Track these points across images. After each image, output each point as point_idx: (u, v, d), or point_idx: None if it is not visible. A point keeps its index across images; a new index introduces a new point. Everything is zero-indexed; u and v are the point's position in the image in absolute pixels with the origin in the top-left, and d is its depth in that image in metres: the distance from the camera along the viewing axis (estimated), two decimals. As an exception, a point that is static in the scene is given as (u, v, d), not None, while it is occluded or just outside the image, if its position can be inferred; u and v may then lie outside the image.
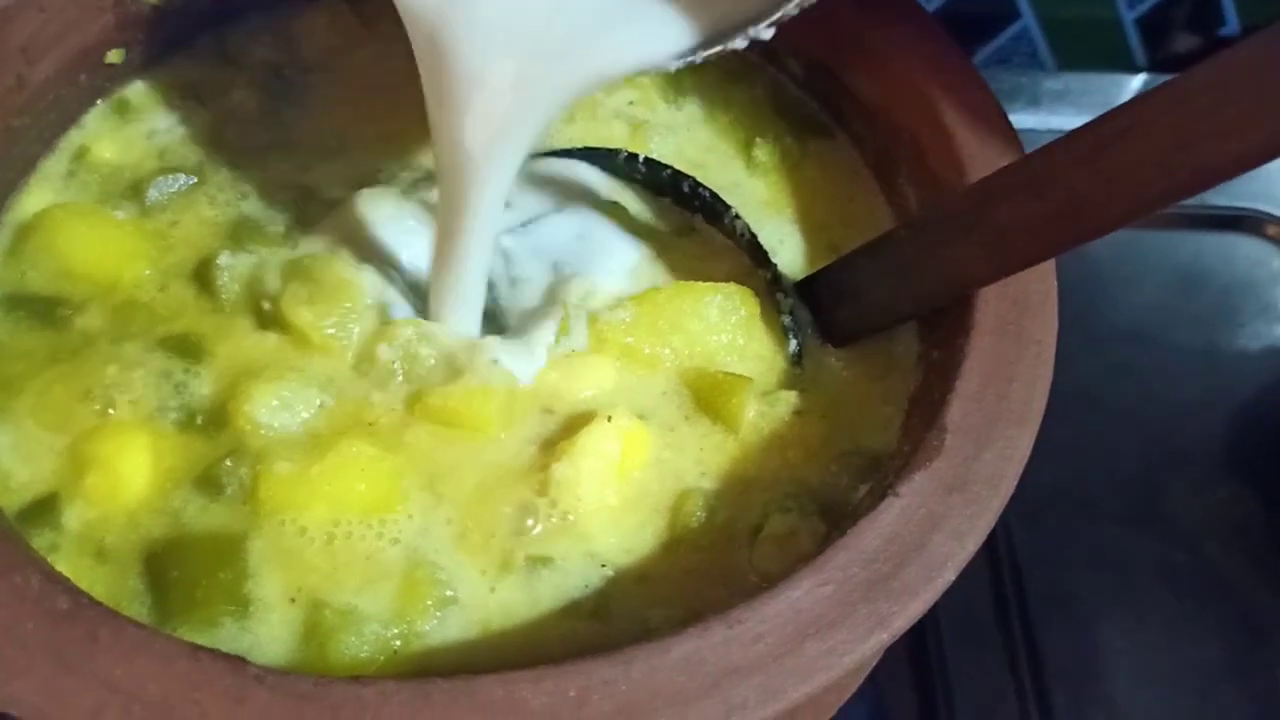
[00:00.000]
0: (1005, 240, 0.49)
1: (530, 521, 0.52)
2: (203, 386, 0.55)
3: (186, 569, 0.50)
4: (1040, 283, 0.52)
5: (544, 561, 0.51)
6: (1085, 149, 0.45)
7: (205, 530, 0.51)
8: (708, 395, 0.56)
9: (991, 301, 0.52)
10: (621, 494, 0.53)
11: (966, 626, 0.75)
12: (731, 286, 0.58)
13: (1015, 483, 0.47)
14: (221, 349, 0.56)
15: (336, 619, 0.49)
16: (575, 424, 0.54)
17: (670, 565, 0.52)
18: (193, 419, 0.54)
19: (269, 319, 0.57)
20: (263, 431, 0.53)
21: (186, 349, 0.56)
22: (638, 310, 0.57)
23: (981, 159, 0.56)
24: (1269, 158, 0.40)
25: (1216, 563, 0.79)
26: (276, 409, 0.54)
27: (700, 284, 0.58)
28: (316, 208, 0.61)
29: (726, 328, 0.57)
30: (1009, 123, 0.58)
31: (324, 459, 0.51)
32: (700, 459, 0.55)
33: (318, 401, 0.55)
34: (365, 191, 0.61)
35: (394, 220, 0.60)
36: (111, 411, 0.54)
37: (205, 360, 0.56)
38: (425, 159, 0.64)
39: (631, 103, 0.68)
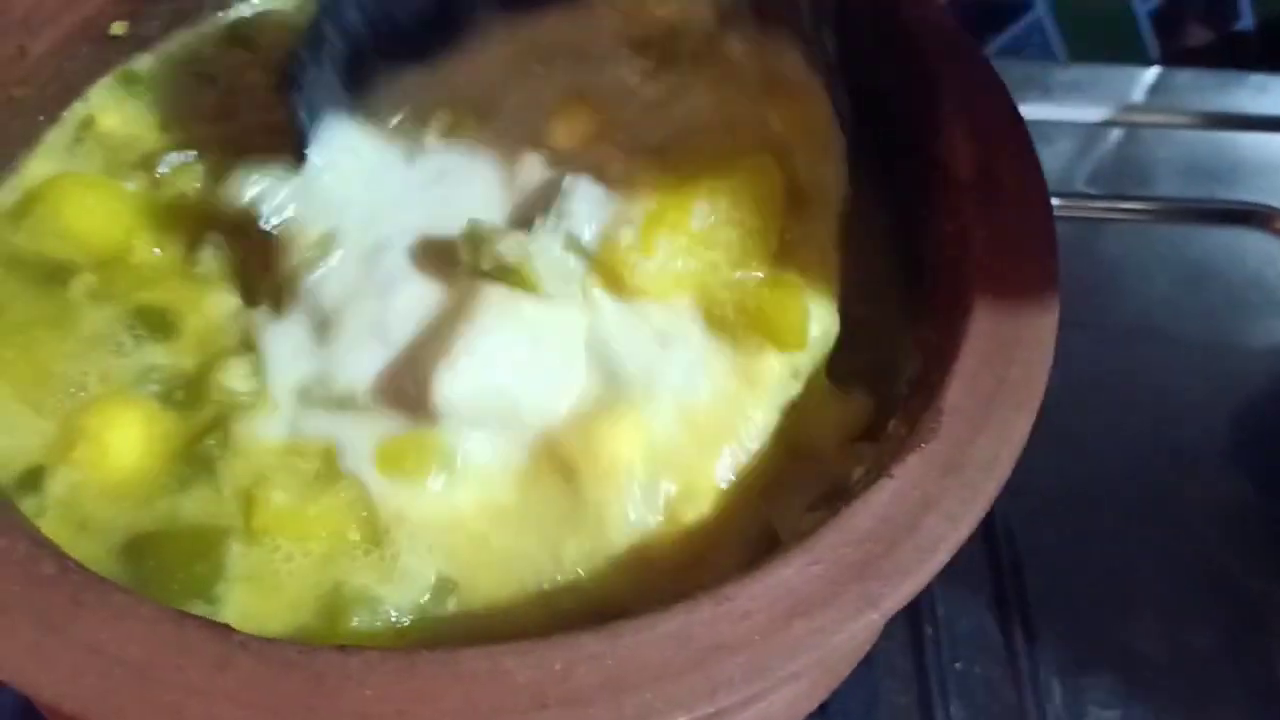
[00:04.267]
0: None
1: None
2: (179, 360, 0.55)
3: (165, 558, 0.49)
4: (1039, 268, 0.52)
5: None
6: None
7: (189, 519, 0.51)
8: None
9: (990, 284, 0.51)
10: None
11: (965, 618, 0.75)
12: None
13: (1011, 466, 0.47)
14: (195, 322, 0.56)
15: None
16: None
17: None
18: (171, 392, 0.54)
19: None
20: (240, 399, 0.53)
21: (162, 322, 0.56)
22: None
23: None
24: None
25: (1216, 554, 0.79)
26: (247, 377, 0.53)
27: None
28: None
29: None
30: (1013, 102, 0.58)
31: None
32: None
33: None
34: None
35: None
36: (87, 383, 0.54)
37: (178, 335, 0.56)
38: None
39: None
